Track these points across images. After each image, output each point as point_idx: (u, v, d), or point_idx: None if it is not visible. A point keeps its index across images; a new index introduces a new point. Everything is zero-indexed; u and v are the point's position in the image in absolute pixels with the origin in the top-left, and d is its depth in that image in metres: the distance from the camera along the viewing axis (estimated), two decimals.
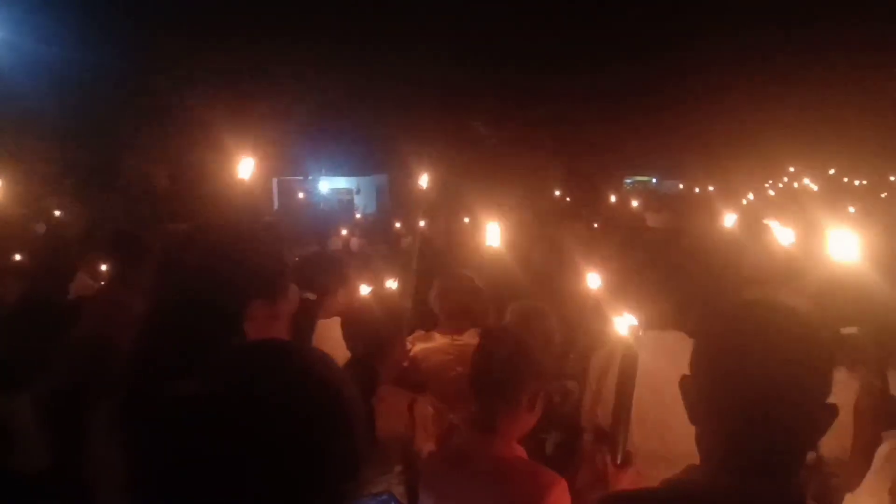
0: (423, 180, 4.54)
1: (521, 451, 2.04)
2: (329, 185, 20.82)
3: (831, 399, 1.97)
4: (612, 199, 15.05)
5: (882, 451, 1.55)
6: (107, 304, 3.04)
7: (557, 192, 18.29)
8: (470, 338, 3.03)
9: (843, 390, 1.88)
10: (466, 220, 10.83)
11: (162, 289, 1.38)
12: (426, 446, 2.44)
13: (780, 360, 1.19)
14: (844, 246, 1.80)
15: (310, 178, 20.15)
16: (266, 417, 0.89)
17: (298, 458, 0.89)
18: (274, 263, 1.43)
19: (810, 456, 2.06)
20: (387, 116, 20.54)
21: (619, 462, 1.97)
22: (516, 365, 2.06)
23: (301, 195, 16.40)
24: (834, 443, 1.98)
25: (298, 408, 0.91)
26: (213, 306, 1.28)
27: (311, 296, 3.18)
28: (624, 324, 2.23)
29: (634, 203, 13.86)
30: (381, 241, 10.23)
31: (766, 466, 1.19)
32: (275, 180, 20.41)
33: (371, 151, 21.71)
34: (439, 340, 3.22)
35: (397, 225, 11.00)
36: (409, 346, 3.30)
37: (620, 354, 2.06)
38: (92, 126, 17.00)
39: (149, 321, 1.37)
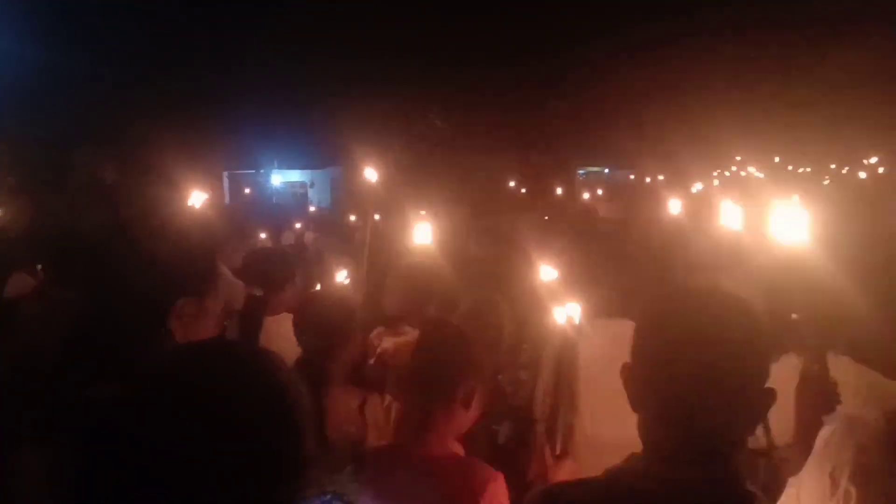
0: (371, 174, 4.49)
1: (457, 448, 1.99)
2: (282, 178, 20.53)
3: (779, 384, 2.01)
4: (565, 189, 15.21)
5: (822, 434, 1.57)
6: (38, 304, 2.91)
7: (512, 184, 18.39)
8: None
9: (794, 376, 1.91)
10: (422, 212, 10.81)
11: (87, 288, 1.31)
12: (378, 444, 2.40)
13: (717, 346, 1.19)
14: (787, 232, 1.82)
15: (262, 171, 19.83)
16: (203, 419, 0.85)
17: (236, 460, 0.85)
18: (201, 259, 1.37)
19: (762, 441, 2.09)
20: (341, 109, 20.33)
21: (557, 452, 1.96)
22: (453, 360, 2.01)
23: (249, 190, 16.14)
24: (785, 427, 2.01)
25: (238, 408, 0.87)
26: (137, 305, 1.22)
27: (259, 292, 3.11)
28: (563, 314, 2.23)
29: (586, 194, 14.05)
30: (335, 235, 10.12)
31: (704, 453, 1.19)
32: (225, 174, 20.02)
33: (325, 144, 21.47)
34: (410, 334, 3.18)
35: (352, 218, 10.90)
36: (375, 341, 3.26)
37: (558, 343, 2.06)
38: (38, 123, 16.39)
39: (74, 322, 1.31)
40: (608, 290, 2.65)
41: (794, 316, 2.05)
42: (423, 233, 4.04)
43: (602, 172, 28.63)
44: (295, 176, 21.90)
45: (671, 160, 18.92)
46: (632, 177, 22.36)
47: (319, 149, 21.48)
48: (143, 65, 17.58)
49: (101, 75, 17.10)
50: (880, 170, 15.56)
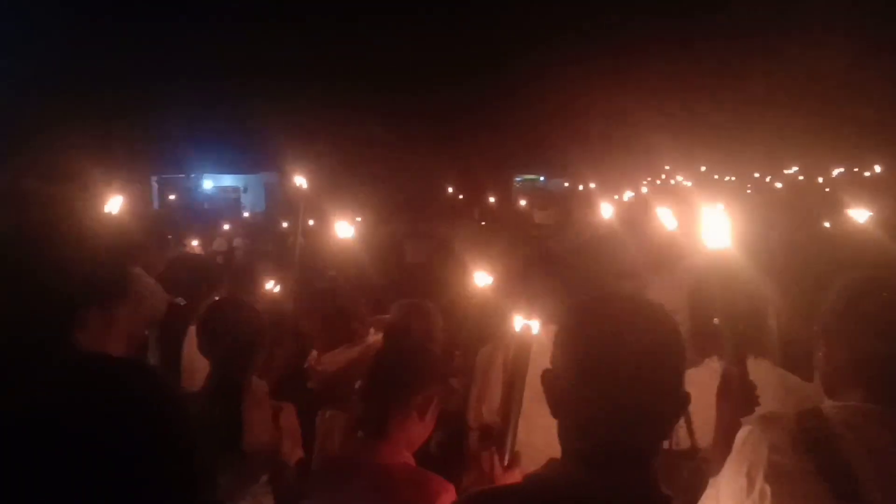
0: (303, 179, 4.43)
1: (409, 459, 1.97)
2: (214, 183, 19.99)
3: (702, 387, 2.05)
4: (501, 197, 15.37)
5: (740, 435, 1.60)
6: None
7: (450, 190, 18.47)
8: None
9: (716, 379, 1.95)
10: (358, 219, 10.73)
11: None
12: (293, 456, 2.34)
13: (633, 353, 1.20)
14: (707, 238, 1.86)
15: (192, 175, 19.26)
16: (84, 438, 0.80)
17: (117, 481, 0.80)
18: (110, 267, 1.30)
19: (684, 443, 2.12)
20: (276, 112, 19.97)
21: (506, 462, 1.95)
22: (414, 368, 2.00)
23: (174, 196, 15.59)
24: (708, 429, 2.05)
25: (120, 428, 0.81)
26: (39, 315, 1.15)
27: (181, 300, 3.00)
28: (518, 321, 2.22)
29: (523, 201, 14.24)
30: (268, 242, 9.90)
31: (620, 458, 1.20)
32: (154, 178, 19.36)
33: (259, 148, 21.03)
34: (353, 350, 3.12)
35: (285, 225, 10.69)
36: (312, 362, 3.19)
37: (512, 352, 2.05)
38: None
39: None
40: (542, 297, 2.66)
41: (715, 320, 2.09)
42: (347, 236, 3.99)
43: (538, 180, 29.07)
44: (228, 181, 21.39)
45: (604, 169, 19.40)
46: (566, 184, 22.79)
47: (253, 153, 21.04)
48: (67, 63, 16.85)
49: (20, 73, 16.29)
50: (800, 178, 16.34)
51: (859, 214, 3.84)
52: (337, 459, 2.08)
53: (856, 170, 15.68)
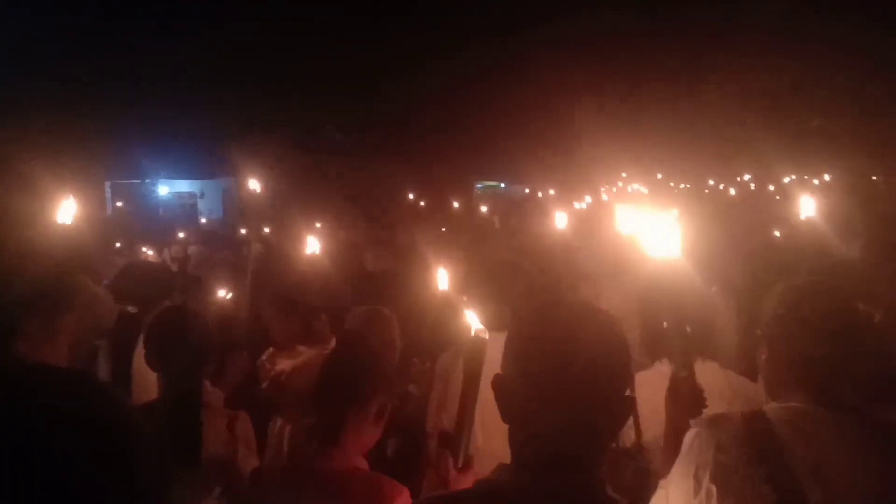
0: (259, 185, 4.37)
1: (362, 464, 1.96)
2: (170, 188, 19.60)
3: (652, 389, 2.09)
4: (463, 203, 15.41)
5: (688, 437, 1.64)
6: None
7: (411, 196, 18.45)
8: None
9: (666, 381, 1.99)
10: (318, 225, 10.64)
11: None
12: (248, 465, 2.31)
13: (580, 359, 1.22)
14: (656, 245, 1.90)
15: (147, 181, 18.85)
16: (18, 452, 0.77)
17: (55, 497, 0.77)
18: (53, 277, 1.26)
19: (631, 443, 2.16)
20: (233, 117, 19.69)
21: (459, 466, 1.96)
22: (371, 373, 1.99)
23: (128, 201, 15.20)
24: (659, 431, 2.08)
25: (57, 441, 0.79)
26: None
27: (132, 308, 2.94)
28: (471, 325, 2.23)
29: (484, 207, 14.31)
30: (225, 248, 9.74)
31: (568, 461, 1.22)
32: (108, 184, 18.89)
33: (216, 154, 20.69)
34: (306, 354, 3.08)
35: (242, 231, 10.54)
36: (268, 363, 3.14)
37: (465, 357, 2.05)
38: None
39: None
40: (498, 303, 2.68)
41: (664, 324, 2.14)
42: (312, 245, 3.96)
43: (499, 187, 29.25)
44: (184, 186, 20.98)
45: (563, 176, 19.63)
46: (527, 191, 22.99)
47: (210, 158, 20.69)
48: (18, 64, 16.35)
49: None
50: (752, 186, 16.77)
51: (805, 222, 3.96)
52: (289, 467, 2.06)
53: (805, 178, 16.16)
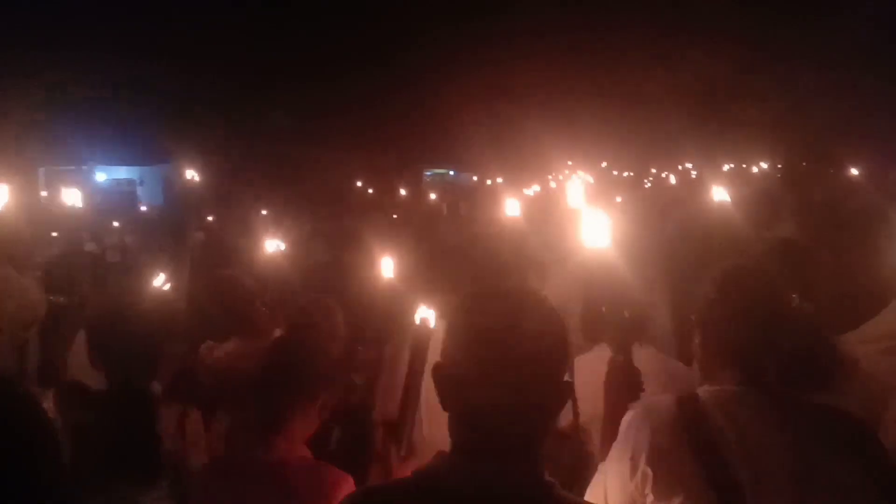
0: (200, 172, 4.27)
1: (306, 452, 1.95)
2: (107, 175, 18.92)
3: (592, 374, 2.13)
4: (412, 190, 15.37)
5: (625, 421, 1.68)
6: None
7: (359, 183, 18.28)
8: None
9: (604, 365, 2.03)
10: (264, 212, 10.46)
11: None
12: (198, 460, 2.27)
13: (518, 345, 1.24)
14: (593, 235, 1.93)
15: (84, 167, 18.15)
16: None
17: None
18: None
19: (568, 423, 2.20)
20: (175, 101, 19.09)
21: (403, 454, 1.96)
22: (314, 362, 1.98)
23: (64, 188, 14.54)
24: (595, 411, 2.12)
25: None
26: None
27: (61, 299, 2.84)
28: (416, 314, 2.23)
29: (433, 195, 14.31)
30: (167, 237, 9.48)
31: (506, 447, 1.24)
32: (41, 170, 18.12)
33: (156, 139, 20.05)
34: (246, 344, 3.03)
35: (184, 219, 10.26)
36: (206, 356, 3.08)
37: (410, 345, 2.05)
38: None
39: None
40: (448, 291, 2.68)
41: (603, 309, 2.18)
42: (257, 234, 3.89)
43: (447, 174, 29.25)
44: (122, 173, 20.29)
45: (511, 164, 19.76)
46: (475, 178, 23.06)
47: (150, 144, 20.03)
48: None
49: None
50: (693, 174, 17.21)
51: (737, 207, 4.09)
52: (231, 457, 2.03)
53: (744, 166, 16.66)
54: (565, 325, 1.32)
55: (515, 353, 1.23)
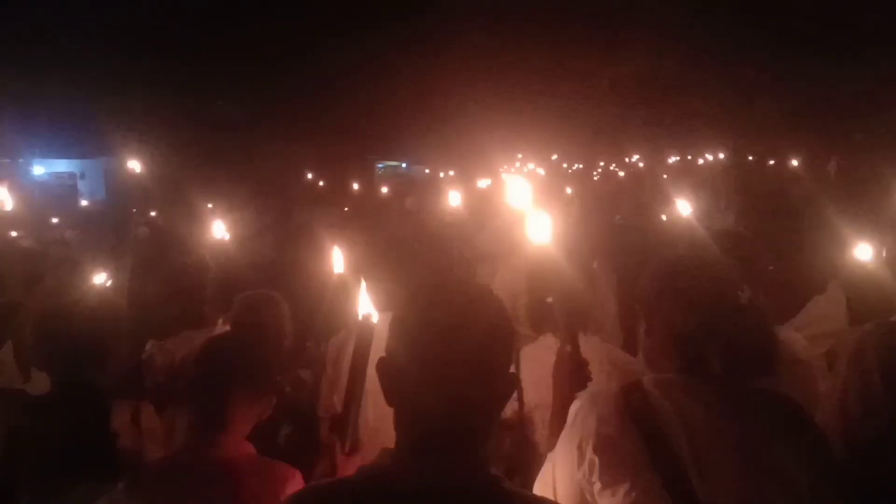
0: (143, 165, 4.15)
1: (249, 448, 1.91)
2: (46, 168, 18.21)
3: (540, 364, 2.15)
4: (364, 183, 15.25)
5: (572, 410, 1.69)
6: None
7: (310, 176, 18.04)
8: None
9: (551, 355, 2.04)
10: (209, 206, 10.24)
11: None
12: (155, 455, 2.21)
13: (462, 337, 1.23)
14: (537, 230, 1.93)
15: (21, 160, 17.43)
16: None
17: None
18: None
19: (513, 413, 2.21)
20: (117, 91, 18.45)
21: (347, 450, 1.94)
22: (258, 357, 1.93)
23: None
24: (541, 401, 2.14)
25: None
26: None
27: None
28: (359, 307, 2.20)
29: (384, 188, 14.22)
30: (109, 232, 9.20)
31: (451, 442, 1.23)
32: None
33: (98, 131, 19.36)
34: (196, 340, 2.94)
35: (127, 213, 9.98)
36: (157, 354, 3.00)
37: (354, 340, 2.03)
38: None
39: None
40: (391, 284, 2.66)
41: (549, 300, 2.19)
42: (217, 229, 3.80)
43: (400, 167, 29.16)
44: (62, 166, 19.58)
45: (464, 157, 19.81)
46: (427, 171, 23.05)
47: (92, 135, 19.34)
48: None
49: None
50: (640, 165, 17.56)
51: (682, 201, 4.18)
52: (176, 455, 1.97)
53: (689, 158, 17.05)
54: (510, 317, 1.31)
55: (459, 347, 1.22)
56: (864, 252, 3.01)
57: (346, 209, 10.38)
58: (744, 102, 18.89)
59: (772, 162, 14.24)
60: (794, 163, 11.59)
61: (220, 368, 1.91)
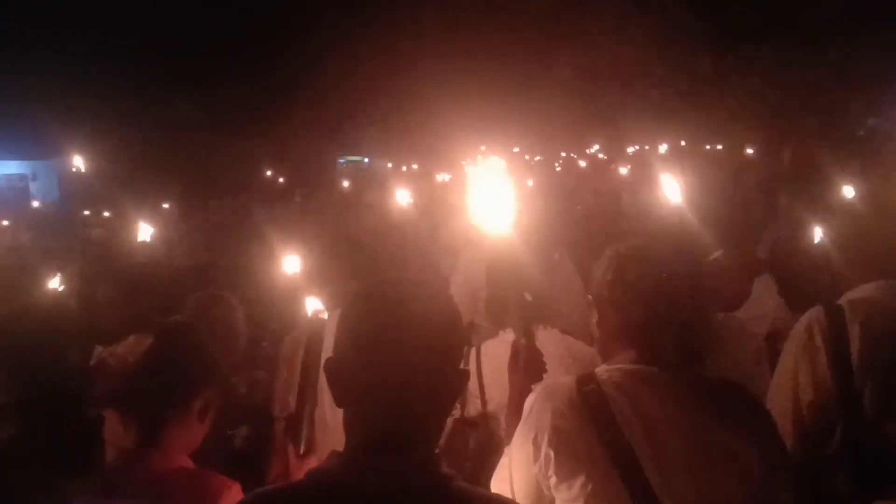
0: (94, 164, 4.05)
1: (187, 463, 1.83)
2: None
3: (499, 358, 2.13)
4: (325, 178, 15.11)
5: (527, 404, 1.67)
6: None
7: (269, 173, 17.80)
8: None
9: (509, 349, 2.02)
10: (165, 206, 10.06)
11: None
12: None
13: (412, 338, 1.20)
14: (499, 216, 1.91)
15: None
16: None
17: None
18: None
19: (476, 411, 2.20)
20: (72, 90, 17.91)
21: (301, 452, 1.90)
22: (190, 367, 1.84)
23: None
24: (504, 397, 2.12)
25: None
26: None
27: None
28: (310, 306, 2.16)
29: (346, 182, 14.12)
30: (63, 235, 8.96)
31: (402, 443, 1.20)
32: None
33: (49, 131, 18.79)
34: (135, 343, 2.85)
35: (81, 215, 9.75)
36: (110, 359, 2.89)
37: (306, 339, 1.98)
38: None
39: None
40: (342, 281, 2.62)
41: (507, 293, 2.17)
42: (145, 233, 3.71)
43: (362, 161, 28.94)
44: (12, 167, 18.98)
45: (426, 150, 19.74)
46: (390, 165, 22.92)
47: (44, 135, 18.77)
48: None
49: None
50: (600, 156, 17.74)
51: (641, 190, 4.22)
52: (105, 472, 1.88)
53: (647, 148, 17.25)
54: (459, 314, 1.29)
55: (407, 346, 1.19)
56: (795, 234, 3.07)
57: (303, 205, 10.29)
58: (700, 92, 19.18)
59: (719, 147, 14.52)
60: (749, 151, 11.82)
61: (154, 380, 1.82)
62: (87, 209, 10.16)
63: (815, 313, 1.93)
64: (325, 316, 1.78)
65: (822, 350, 1.85)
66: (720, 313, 2.49)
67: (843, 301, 1.97)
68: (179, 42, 20.72)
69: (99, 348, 3.04)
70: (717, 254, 3.07)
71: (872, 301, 1.93)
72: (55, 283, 3.87)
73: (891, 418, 1.72)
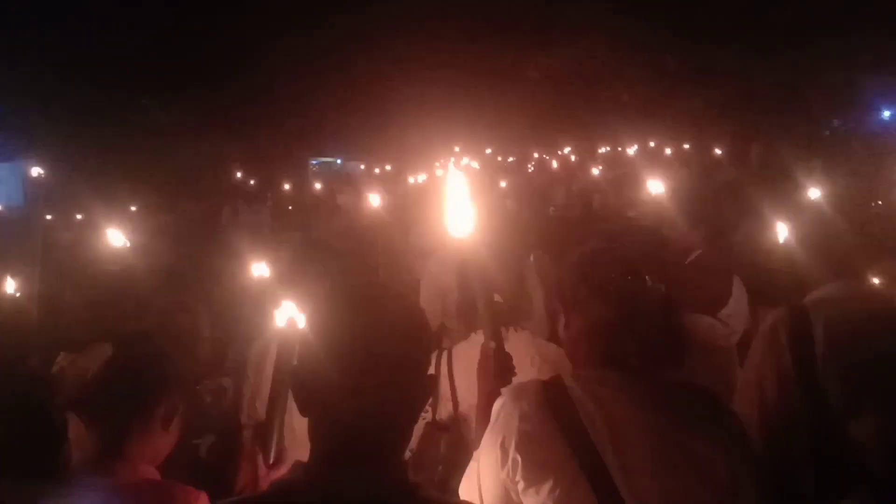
0: (60, 167, 3.96)
1: (152, 474, 1.79)
2: None
3: (470, 361, 2.11)
4: (298, 180, 14.98)
5: (495, 408, 1.66)
6: None
7: (239, 175, 17.57)
8: None
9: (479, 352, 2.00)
10: (133, 208, 9.91)
11: None
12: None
13: (378, 341, 1.18)
14: (467, 219, 1.89)
15: None
16: None
17: None
18: None
19: (447, 415, 2.18)
20: (35, 91, 17.53)
21: (270, 460, 1.86)
22: (152, 376, 1.80)
23: None
24: (474, 400, 2.10)
25: None
26: None
27: None
28: (283, 312, 2.12)
29: (318, 184, 14.01)
30: (27, 239, 8.74)
31: (367, 451, 1.18)
32: None
33: (13, 133, 18.37)
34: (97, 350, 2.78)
35: (48, 218, 9.55)
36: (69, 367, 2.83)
37: (277, 347, 1.94)
38: None
39: None
40: (313, 287, 2.58)
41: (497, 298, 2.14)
42: (117, 237, 3.64)
43: (335, 163, 28.76)
44: None
45: (399, 152, 19.68)
46: (362, 167, 22.81)
47: (6, 137, 18.34)
48: None
49: None
50: (572, 157, 17.83)
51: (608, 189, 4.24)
52: (69, 483, 1.83)
53: (619, 149, 17.39)
54: (426, 319, 1.27)
55: (373, 354, 1.17)
56: (759, 234, 3.09)
57: (274, 207, 10.20)
58: (669, 93, 19.40)
59: (686, 146, 14.69)
60: (718, 151, 11.98)
61: (114, 390, 1.77)
62: (51, 213, 9.94)
63: (779, 313, 1.94)
64: (299, 323, 1.75)
65: (787, 350, 1.86)
66: (690, 314, 2.50)
67: (807, 301, 1.99)
68: (148, 43, 20.42)
69: (62, 355, 2.98)
70: (695, 254, 3.10)
71: (836, 301, 1.96)
72: (10, 288, 3.78)
73: (855, 418, 1.74)
